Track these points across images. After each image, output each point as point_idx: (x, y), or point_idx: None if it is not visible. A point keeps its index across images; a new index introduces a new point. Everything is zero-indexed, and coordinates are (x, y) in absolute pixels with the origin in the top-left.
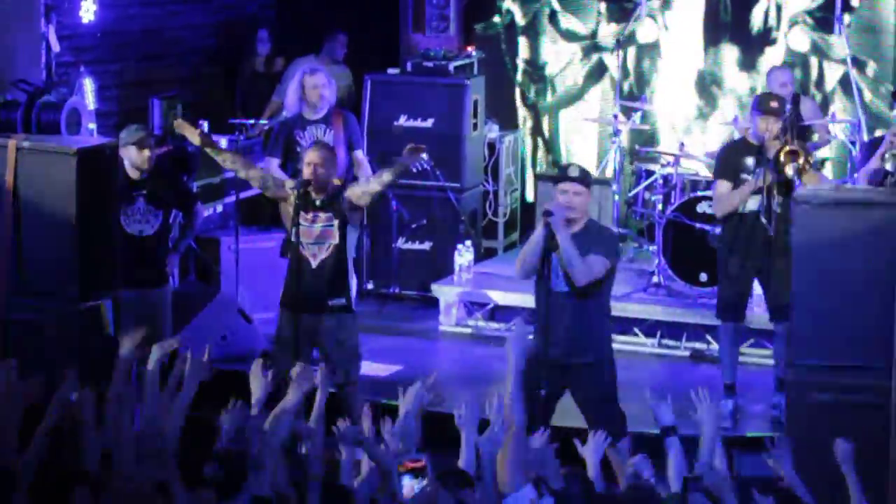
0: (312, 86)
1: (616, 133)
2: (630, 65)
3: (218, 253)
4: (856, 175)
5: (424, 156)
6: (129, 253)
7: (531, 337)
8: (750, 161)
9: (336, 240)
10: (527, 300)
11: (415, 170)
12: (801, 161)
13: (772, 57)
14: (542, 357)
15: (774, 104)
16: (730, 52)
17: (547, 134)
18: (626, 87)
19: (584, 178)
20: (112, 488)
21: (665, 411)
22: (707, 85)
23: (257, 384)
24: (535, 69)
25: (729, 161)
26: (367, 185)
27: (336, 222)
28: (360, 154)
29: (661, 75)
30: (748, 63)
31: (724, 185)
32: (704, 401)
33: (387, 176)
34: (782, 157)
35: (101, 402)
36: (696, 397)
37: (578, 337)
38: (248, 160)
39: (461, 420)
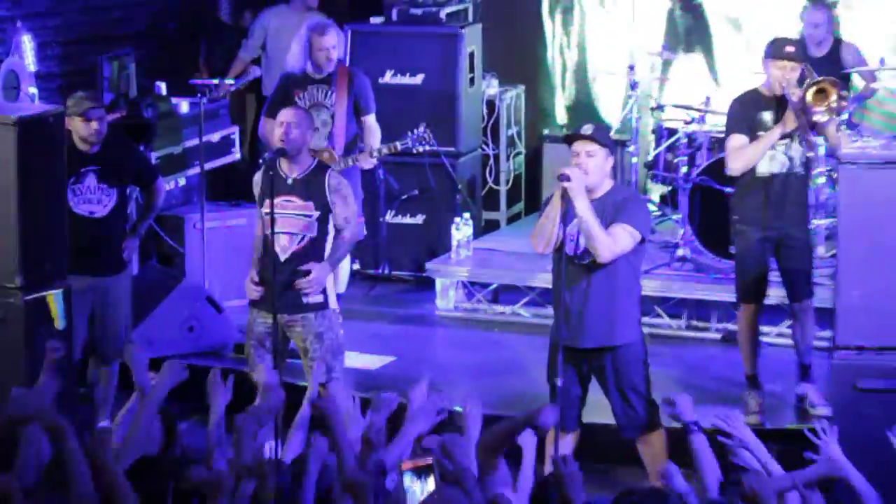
0: (321, 47)
1: (633, 86)
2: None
3: (182, 233)
4: None
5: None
6: (80, 236)
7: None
8: (767, 116)
9: (314, 233)
10: (534, 279)
11: (403, 143)
12: (832, 100)
13: None
14: (561, 341)
15: (790, 48)
16: None
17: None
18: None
19: (599, 137)
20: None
21: (686, 405)
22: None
23: (217, 395)
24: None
25: (742, 114)
26: (347, 209)
27: (315, 213)
28: (370, 119)
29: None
30: None
31: (738, 139)
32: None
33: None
34: (810, 99)
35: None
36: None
37: (602, 317)
38: None
39: (462, 420)
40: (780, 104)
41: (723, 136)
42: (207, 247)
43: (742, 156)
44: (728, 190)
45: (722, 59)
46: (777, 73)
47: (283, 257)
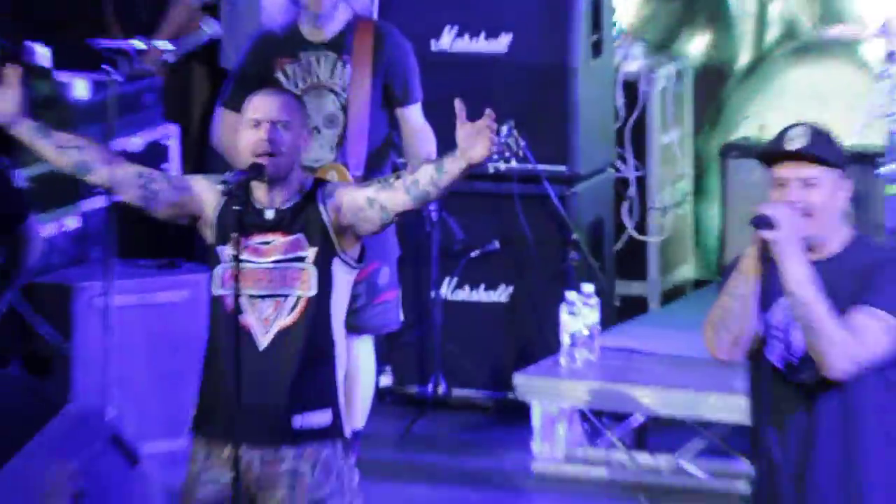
0: None
1: (891, 56)
2: None
3: (68, 314)
4: None
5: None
6: None
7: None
8: None
9: (311, 290)
10: (712, 407)
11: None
12: None
13: None
14: None
15: None
16: None
17: None
18: None
19: (823, 153)
20: None
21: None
22: None
23: None
24: None
25: None
26: (383, 190)
27: (310, 252)
28: (412, 111)
29: None
30: None
31: None
32: None
33: (427, 179)
34: None
35: None
36: None
37: (841, 481)
38: (108, 150)
39: None
40: None
41: None
42: (116, 341)
43: None
44: None
45: None
46: None
47: (262, 343)
